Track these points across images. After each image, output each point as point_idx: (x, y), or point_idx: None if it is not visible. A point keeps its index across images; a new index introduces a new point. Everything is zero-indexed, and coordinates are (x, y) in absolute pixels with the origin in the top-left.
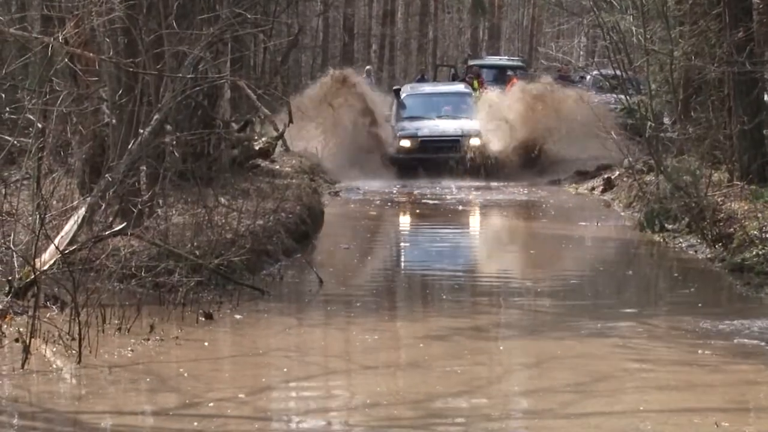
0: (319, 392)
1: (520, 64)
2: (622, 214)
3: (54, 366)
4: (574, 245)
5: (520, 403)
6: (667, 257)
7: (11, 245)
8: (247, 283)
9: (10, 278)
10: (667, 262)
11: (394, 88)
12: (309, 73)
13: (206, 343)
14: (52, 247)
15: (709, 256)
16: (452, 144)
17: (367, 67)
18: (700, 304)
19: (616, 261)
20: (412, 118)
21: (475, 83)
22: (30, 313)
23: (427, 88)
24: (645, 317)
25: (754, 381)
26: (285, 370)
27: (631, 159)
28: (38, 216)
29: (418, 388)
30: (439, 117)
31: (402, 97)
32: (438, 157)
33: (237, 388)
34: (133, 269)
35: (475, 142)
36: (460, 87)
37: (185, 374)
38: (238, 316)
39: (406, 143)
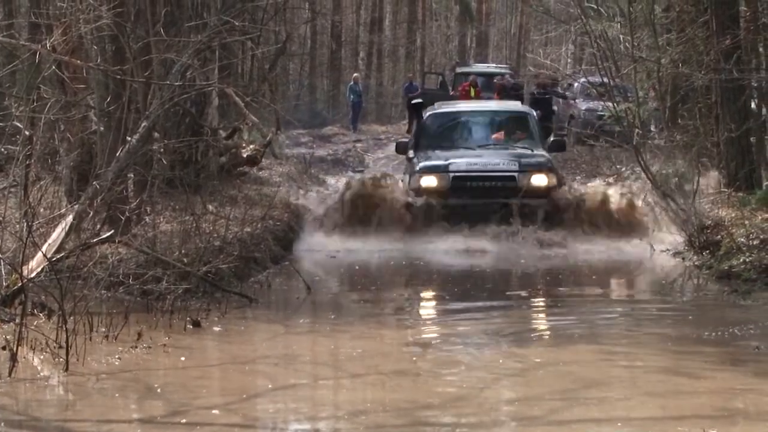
0: (307, 400)
1: (508, 71)
2: None
3: (41, 374)
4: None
5: (507, 411)
6: (655, 264)
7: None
8: (235, 290)
9: None
10: (654, 268)
11: (413, 101)
12: (297, 80)
13: (194, 351)
14: (39, 255)
15: (696, 263)
16: (504, 183)
17: (355, 74)
18: (687, 311)
19: (604, 269)
20: (439, 149)
21: (472, 92)
22: (17, 321)
23: (465, 105)
24: (632, 324)
25: (742, 388)
26: (273, 377)
27: (618, 166)
28: (26, 223)
29: (405, 395)
30: (483, 148)
31: (425, 117)
32: (479, 204)
33: (225, 396)
34: (120, 277)
35: (539, 180)
36: (516, 105)
37: (173, 382)
38: (218, 328)
39: (429, 181)
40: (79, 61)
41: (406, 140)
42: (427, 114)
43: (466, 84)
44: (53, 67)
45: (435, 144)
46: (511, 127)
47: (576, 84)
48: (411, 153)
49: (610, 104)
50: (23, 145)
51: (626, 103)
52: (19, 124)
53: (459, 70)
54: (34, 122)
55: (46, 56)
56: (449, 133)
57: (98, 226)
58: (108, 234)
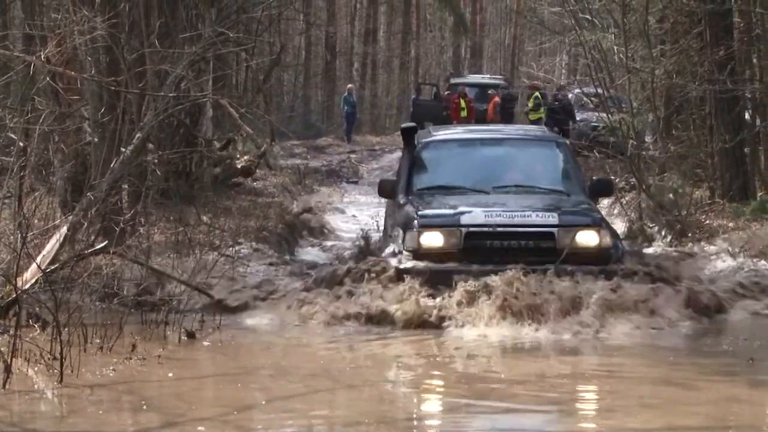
0: (303, 411)
1: (502, 82)
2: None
3: (35, 385)
4: None
5: (498, 421)
6: None
7: None
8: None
9: None
10: None
11: (403, 126)
12: (291, 91)
13: (189, 362)
14: (33, 266)
15: None
16: (537, 243)
17: (349, 85)
18: (680, 321)
19: None
20: (440, 191)
21: (462, 103)
22: (11, 333)
23: (471, 131)
24: (625, 334)
25: (736, 398)
26: (268, 389)
27: (612, 177)
28: (20, 235)
29: (400, 408)
30: (501, 192)
31: (419, 148)
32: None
33: (220, 407)
34: (115, 288)
35: (588, 239)
36: (542, 130)
37: (168, 393)
38: (208, 343)
39: (432, 239)
40: (73, 73)
41: (392, 179)
42: (422, 143)
43: (455, 95)
44: (47, 79)
45: (433, 185)
46: (537, 161)
47: (570, 95)
48: (401, 197)
49: (604, 115)
50: (17, 156)
51: (621, 114)
52: (13, 136)
53: (453, 81)
54: (29, 133)
55: (40, 67)
56: (452, 169)
57: (92, 237)
58: (102, 245)
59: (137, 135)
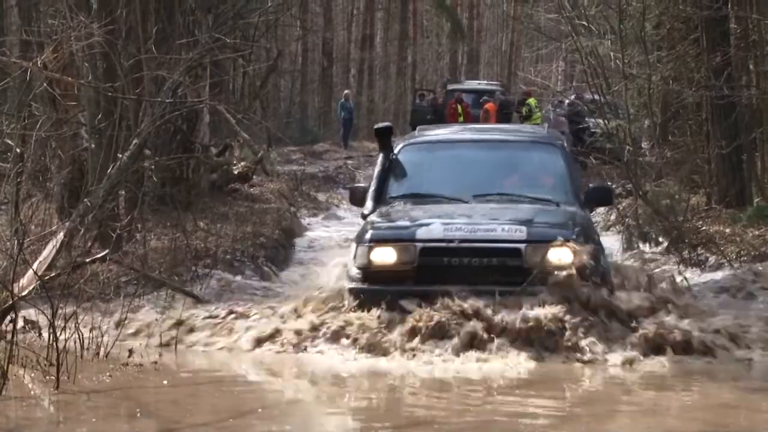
0: (300, 418)
1: (498, 88)
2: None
3: (32, 392)
4: None
5: (499, 426)
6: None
7: None
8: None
9: None
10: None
11: (377, 127)
12: (288, 97)
13: (185, 368)
14: (30, 272)
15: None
16: (501, 261)
17: (346, 91)
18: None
19: None
20: (414, 200)
21: (459, 108)
22: (8, 339)
23: (458, 132)
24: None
25: (733, 405)
26: (265, 395)
27: (609, 183)
28: (16, 241)
29: (398, 414)
30: (482, 201)
31: (397, 151)
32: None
33: (217, 414)
34: (111, 294)
35: (560, 256)
36: (538, 131)
37: (164, 400)
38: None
39: (384, 255)
40: (70, 79)
41: (364, 185)
42: (400, 146)
43: (452, 101)
44: (44, 85)
45: (408, 193)
46: (528, 165)
47: (567, 101)
48: (368, 206)
49: (601, 121)
50: (14, 162)
51: (617, 120)
52: (10, 142)
53: (450, 87)
54: (25, 139)
55: (37, 73)
56: (431, 175)
57: (89, 244)
58: (102, 254)
59: (134, 141)
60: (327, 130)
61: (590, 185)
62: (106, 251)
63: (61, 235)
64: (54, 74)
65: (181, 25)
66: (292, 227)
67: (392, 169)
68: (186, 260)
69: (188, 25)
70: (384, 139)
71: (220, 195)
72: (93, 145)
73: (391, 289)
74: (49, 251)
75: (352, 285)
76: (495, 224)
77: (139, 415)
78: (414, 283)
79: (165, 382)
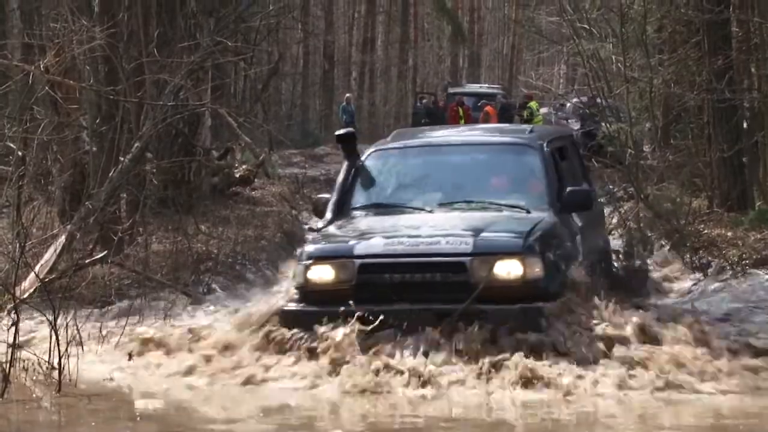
0: (306, 418)
1: (499, 91)
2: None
3: (34, 395)
4: None
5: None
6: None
7: None
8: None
9: None
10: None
11: (338, 133)
12: (290, 100)
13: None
14: (32, 275)
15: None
16: (445, 277)
17: (347, 95)
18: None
19: None
20: (376, 211)
21: (460, 111)
22: (10, 342)
23: (432, 136)
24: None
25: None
26: (269, 395)
27: (611, 186)
28: (18, 244)
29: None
30: (445, 208)
31: (365, 157)
32: (402, 313)
33: (220, 416)
34: (113, 297)
35: (508, 270)
36: (515, 133)
37: (167, 402)
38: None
39: (322, 273)
40: (72, 82)
41: (329, 196)
42: (368, 153)
43: (453, 104)
44: (46, 88)
45: (371, 203)
46: (502, 169)
47: (568, 104)
48: (327, 217)
49: (602, 124)
50: (16, 165)
51: (619, 123)
52: (11, 145)
53: (451, 90)
54: (27, 143)
55: (38, 77)
56: (396, 183)
57: (91, 247)
58: (101, 255)
59: (136, 144)
60: (328, 133)
61: (568, 189)
62: (106, 251)
63: (62, 239)
64: (56, 78)
65: (183, 28)
66: (294, 230)
67: (357, 177)
68: (187, 263)
69: (190, 29)
70: (347, 146)
71: (221, 198)
72: (94, 149)
73: (325, 311)
74: (50, 254)
75: (288, 306)
76: (440, 237)
77: (140, 418)
78: (354, 303)
79: (171, 382)
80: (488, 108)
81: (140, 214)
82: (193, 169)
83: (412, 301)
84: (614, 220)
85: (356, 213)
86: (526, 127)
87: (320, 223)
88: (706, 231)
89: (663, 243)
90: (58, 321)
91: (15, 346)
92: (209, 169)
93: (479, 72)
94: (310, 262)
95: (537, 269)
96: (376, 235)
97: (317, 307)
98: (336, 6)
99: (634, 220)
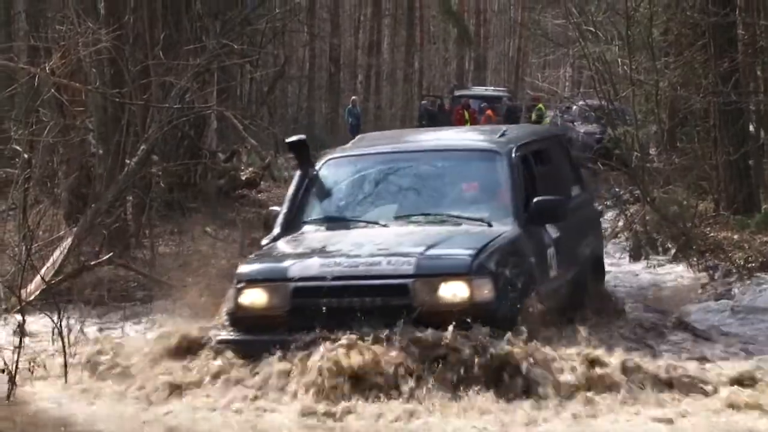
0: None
1: (505, 94)
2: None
3: (39, 397)
4: None
5: None
6: (656, 286)
7: None
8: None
9: None
10: (654, 291)
11: (289, 141)
12: (296, 103)
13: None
14: (38, 278)
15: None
16: (385, 301)
17: (353, 97)
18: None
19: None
20: (329, 225)
21: (466, 114)
22: (16, 344)
23: (390, 144)
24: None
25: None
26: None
27: (617, 189)
28: (24, 246)
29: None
30: (402, 221)
31: (320, 167)
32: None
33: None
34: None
35: (453, 292)
36: (478, 139)
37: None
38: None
39: (254, 298)
40: (77, 84)
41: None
42: (324, 160)
43: (459, 107)
44: (52, 91)
45: (323, 217)
46: (466, 178)
47: (574, 107)
48: (274, 233)
49: (608, 127)
50: (22, 168)
51: (625, 126)
52: (18, 147)
53: (457, 93)
54: (33, 145)
55: (45, 79)
56: (354, 195)
57: (97, 249)
58: (107, 256)
59: (142, 147)
60: (334, 136)
61: (535, 200)
62: (111, 253)
63: (68, 241)
64: (62, 80)
65: (189, 31)
66: None
67: (310, 188)
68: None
69: (195, 31)
70: (299, 153)
71: (227, 201)
72: (100, 151)
73: (258, 340)
74: (56, 256)
75: (219, 335)
76: (381, 256)
77: (149, 419)
78: (287, 331)
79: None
80: (489, 111)
81: (146, 217)
82: (199, 171)
83: (350, 329)
84: (620, 223)
85: (306, 228)
86: (500, 129)
87: (265, 240)
88: (712, 234)
89: (669, 246)
90: (63, 323)
91: (21, 348)
92: (215, 171)
93: (485, 75)
94: (242, 285)
95: (486, 291)
96: (315, 255)
97: (250, 335)
98: (342, 9)
99: (641, 223)
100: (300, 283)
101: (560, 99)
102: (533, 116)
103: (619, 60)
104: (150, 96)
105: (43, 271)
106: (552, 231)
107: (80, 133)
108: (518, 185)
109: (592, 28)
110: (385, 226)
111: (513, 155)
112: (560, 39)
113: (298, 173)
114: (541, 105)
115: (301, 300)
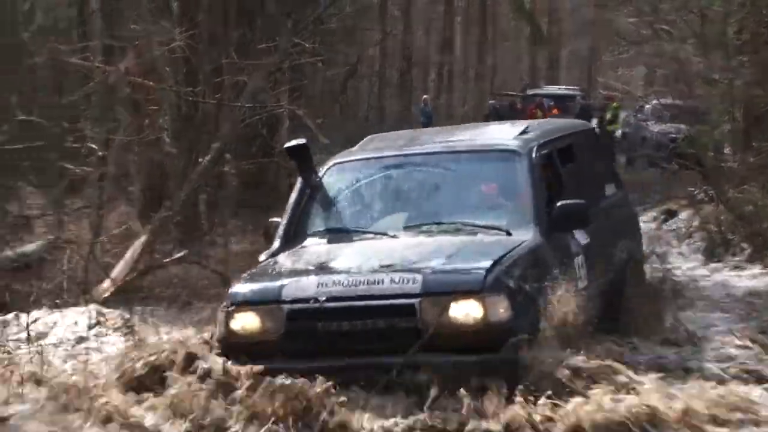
0: None
1: (578, 93)
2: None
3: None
4: None
5: None
6: (729, 287)
7: (71, 273)
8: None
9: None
10: (727, 290)
11: (288, 146)
12: (366, 101)
13: None
14: (112, 275)
15: None
16: (389, 323)
17: (425, 96)
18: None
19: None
20: (334, 237)
21: (539, 113)
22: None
23: (403, 144)
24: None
25: None
26: None
27: (691, 189)
28: (98, 244)
29: None
30: (413, 232)
31: (323, 173)
32: (339, 369)
33: None
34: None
35: (465, 312)
36: (500, 138)
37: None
38: None
39: (246, 323)
40: (152, 83)
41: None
42: (328, 166)
43: (532, 106)
44: (127, 90)
45: (327, 228)
46: (483, 182)
47: (648, 106)
48: (274, 247)
49: (682, 126)
50: (97, 166)
51: (699, 125)
52: (93, 146)
53: (530, 91)
54: (108, 144)
55: (119, 78)
56: (361, 203)
57: (170, 247)
58: (181, 254)
59: (214, 145)
60: None
61: (558, 204)
62: (185, 251)
63: (142, 238)
64: (136, 79)
65: (261, 30)
66: None
67: (313, 197)
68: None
69: (268, 31)
70: (300, 159)
71: None
72: (174, 150)
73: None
74: (130, 254)
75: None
76: (384, 273)
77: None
78: (282, 359)
79: None
80: (555, 110)
81: (219, 215)
82: (271, 170)
83: (351, 355)
84: (695, 223)
85: (309, 241)
86: (521, 125)
87: (263, 255)
88: None
89: (744, 246)
90: (135, 320)
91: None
92: (287, 169)
93: (558, 73)
94: (232, 308)
95: (502, 310)
96: (313, 273)
97: (243, 364)
98: (414, 7)
99: (715, 224)
100: (295, 305)
101: (634, 98)
102: (608, 115)
103: (693, 58)
104: (223, 95)
105: (116, 268)
106: (581, 237)
107: (154, 131)
108: (540, 187)
109: (665, 27)
110: (393, 237)
111: (534, 154)
112: (634, 37)
113: (299, 181)
114: (616, 104)
115: (296, 323)
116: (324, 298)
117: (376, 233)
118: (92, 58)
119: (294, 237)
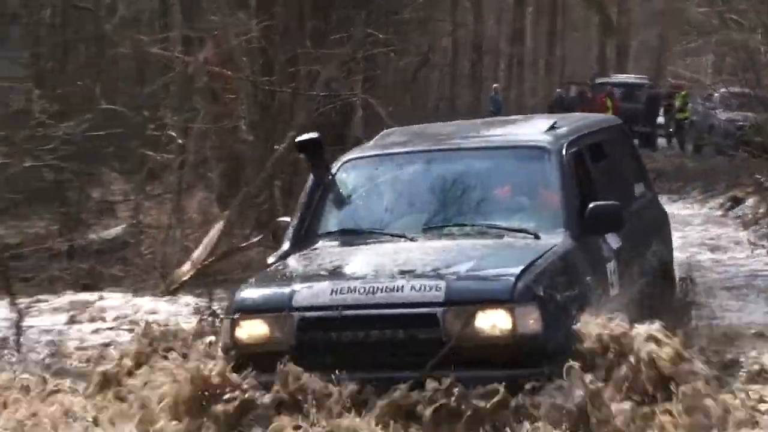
0: None
1: (647, 82)
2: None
3: None
4: None
5: None
6: None
7: (152, 257)
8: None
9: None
10: None
11: (299, 140)
12: (437, 90)
13: None
14: (192, 259)
15: None
16: (410, 334)
17: (495, 85)
18: None
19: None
20: (347, 238)
21: (608, 102)
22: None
23: (423, 138)
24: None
25: None
26: None
27: (759, 177)
28: (179, 229)
29: None
30: (432, 234)
31: (337, 169)
32: (355, 381)
33: None
34: None
35: (493, 320)
36: (528, 134)
37: None
38: None
39: (253, 331)
40: (229, 73)
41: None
42: (341, 162)
43: (601, 95)
44: (205, 79)
45: (341, 228)
46: (509, 182)
47: (716, 94)
48: (284, 248)
49: (750, 114)
50: (177, 153)
51: (767, 114)
52: (172, 134)
53: (599, 80)
54: (187, 132)
55: (198, 68)
56: (377, 202)
57: (247, 232)
58: (258, 239)
59: (290, 133)
60: None
61: (591, 205)
62: (262, 236)
63: (220, 224)
64: (214, 69)
65: (336, 21)
66: None
67: (326, 195)
68: None
69: (342, 21)
70: (312, 155)
71: None
72: (251, 137)
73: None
74: (209, 239)
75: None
76: (404, 279)
77: None
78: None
79: None
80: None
81: (294, 200)
82: None
83: (368, 368)
84: (761, 210)
85: (321, 243)
86: (550, 120)
87: (272, 258)
88: None
89: None
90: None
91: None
92: None
93: (627, 63)
94: (238, 315)
95: (532, 321)
96: (326, 278)
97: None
98: None
99: None
100: (307, 314)
101: (702, 86)
102: (677, 103)
103: (762, 47)
104: (298, 84)
105: (196, 252)
106: (613, 241)
107: (232, 120)
108: (571, 188)
109: (734, 16)
110: (412, 239)
111: (564, 152)
112: (703, 26)
113: (311, 178)
114: (685, 92)
115: (308, 334)
116: (341, 307)
117: (393, 235)
118: (172, 49)
119: (305, 238)
